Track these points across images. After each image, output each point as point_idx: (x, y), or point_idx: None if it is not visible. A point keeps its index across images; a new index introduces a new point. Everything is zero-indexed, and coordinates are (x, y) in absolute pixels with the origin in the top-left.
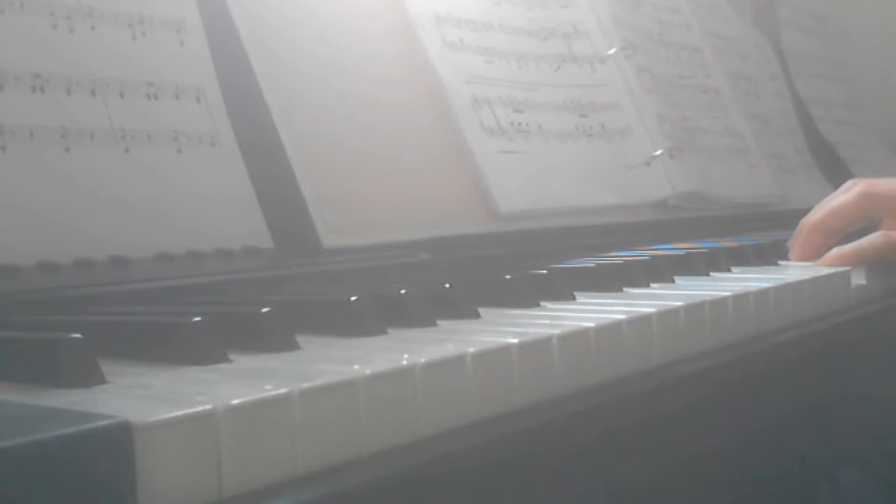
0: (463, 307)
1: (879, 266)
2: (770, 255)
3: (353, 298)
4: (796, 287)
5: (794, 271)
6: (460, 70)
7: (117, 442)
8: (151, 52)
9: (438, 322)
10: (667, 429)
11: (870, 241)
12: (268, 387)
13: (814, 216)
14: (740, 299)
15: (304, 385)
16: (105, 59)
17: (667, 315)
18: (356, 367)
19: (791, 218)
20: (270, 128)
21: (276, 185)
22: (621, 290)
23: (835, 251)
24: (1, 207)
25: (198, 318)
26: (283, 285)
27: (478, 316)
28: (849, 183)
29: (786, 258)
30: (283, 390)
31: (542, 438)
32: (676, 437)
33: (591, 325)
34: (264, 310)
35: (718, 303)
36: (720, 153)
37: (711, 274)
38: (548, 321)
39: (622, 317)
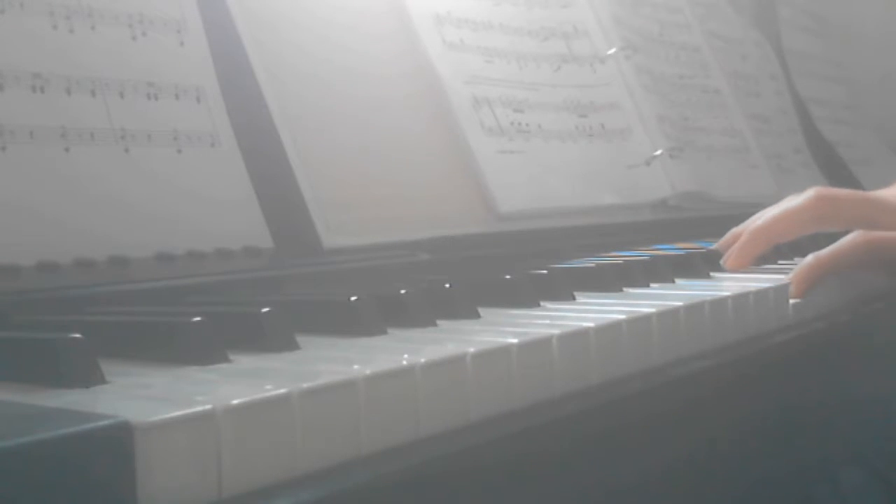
0: (463, 307)
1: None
2: (770, 255)
3: (353, 298)
4: None
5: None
6: (460, 70)
7: (117, 442)
8: (151, 52)
9: (438, 322)
10: (667, 429)
11: (848, 242)
12: (268, 387)
13: (757, 221)
14: (740, 299)
15: (304, 385)
16: (105, 59)
17: (667, 315)
18: (356, 367)
19: None
20: (270, 128)
21: (276, 185)
22: (621, 290)
23: (811, 258)
24: (1, 207)
25: (198, 318)
26: (283, 285)
27: (478, 316)
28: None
29: (786, 258)
30: (283, 390)
31: (542, 438)
32: (676, 437)
33: (591, 325)
34: (264, 310)
35: (718, 303)
36: (720, 153)
37: (711, 274)
38: (548, 321)
39: (622, 317)
